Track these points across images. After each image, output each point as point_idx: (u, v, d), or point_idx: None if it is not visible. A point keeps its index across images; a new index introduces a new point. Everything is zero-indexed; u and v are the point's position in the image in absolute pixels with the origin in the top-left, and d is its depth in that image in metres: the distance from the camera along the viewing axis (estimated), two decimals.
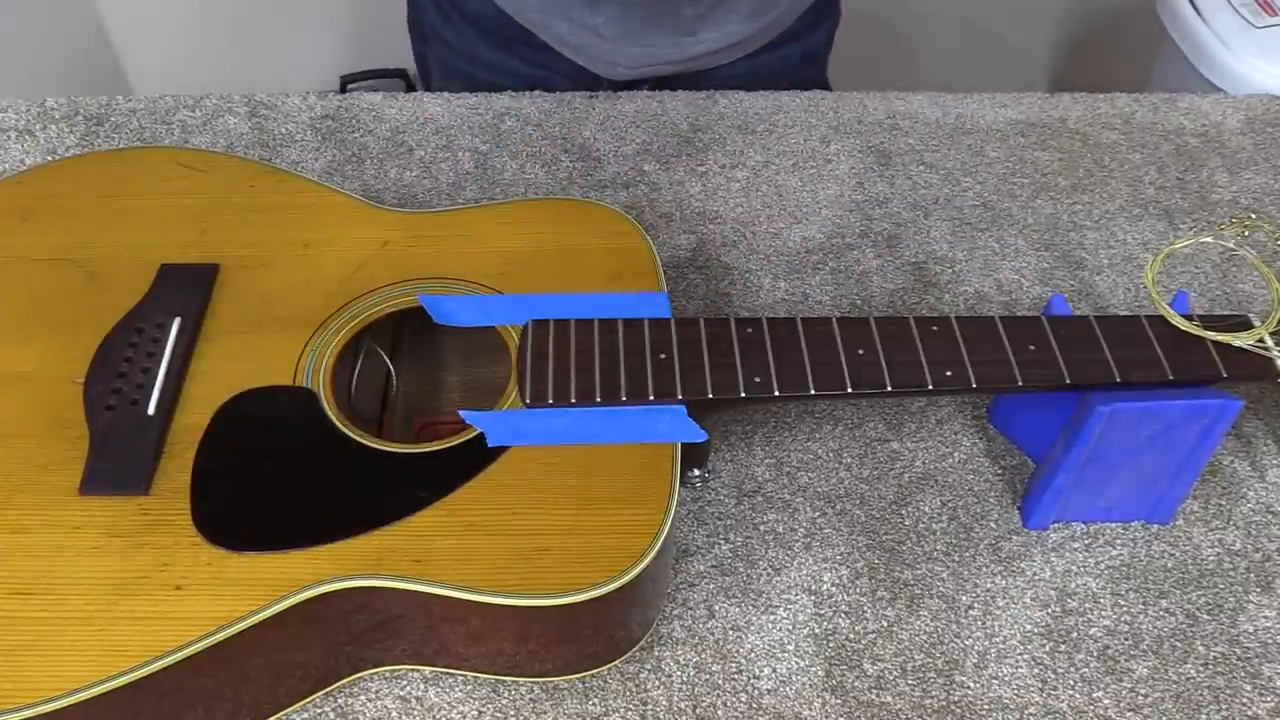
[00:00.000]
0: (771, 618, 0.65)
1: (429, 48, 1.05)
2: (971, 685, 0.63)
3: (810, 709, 0.61)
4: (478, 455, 0.61)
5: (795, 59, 1.03)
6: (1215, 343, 0.65)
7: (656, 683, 0.62)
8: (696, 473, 0.69)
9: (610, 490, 0.59)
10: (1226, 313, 0.72)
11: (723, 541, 0.68)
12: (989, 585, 0.67)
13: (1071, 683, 0.63)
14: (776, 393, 0.63)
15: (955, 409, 0.75)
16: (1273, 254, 0.85)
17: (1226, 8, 1.38)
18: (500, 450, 0.61)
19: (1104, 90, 1.00)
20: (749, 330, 0.65)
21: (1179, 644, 0.65)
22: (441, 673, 0.62)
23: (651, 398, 0.63)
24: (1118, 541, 0.69)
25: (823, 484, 0.71)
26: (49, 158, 0.89)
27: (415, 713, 0.60)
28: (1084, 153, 0.93)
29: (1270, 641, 0.65)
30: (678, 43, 0.95)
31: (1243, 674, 0.63)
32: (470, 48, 1.00)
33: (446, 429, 0.65)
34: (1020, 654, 0.64)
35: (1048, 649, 0.64)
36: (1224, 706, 0.62)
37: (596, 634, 0.59)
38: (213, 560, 0.56)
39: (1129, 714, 0.62)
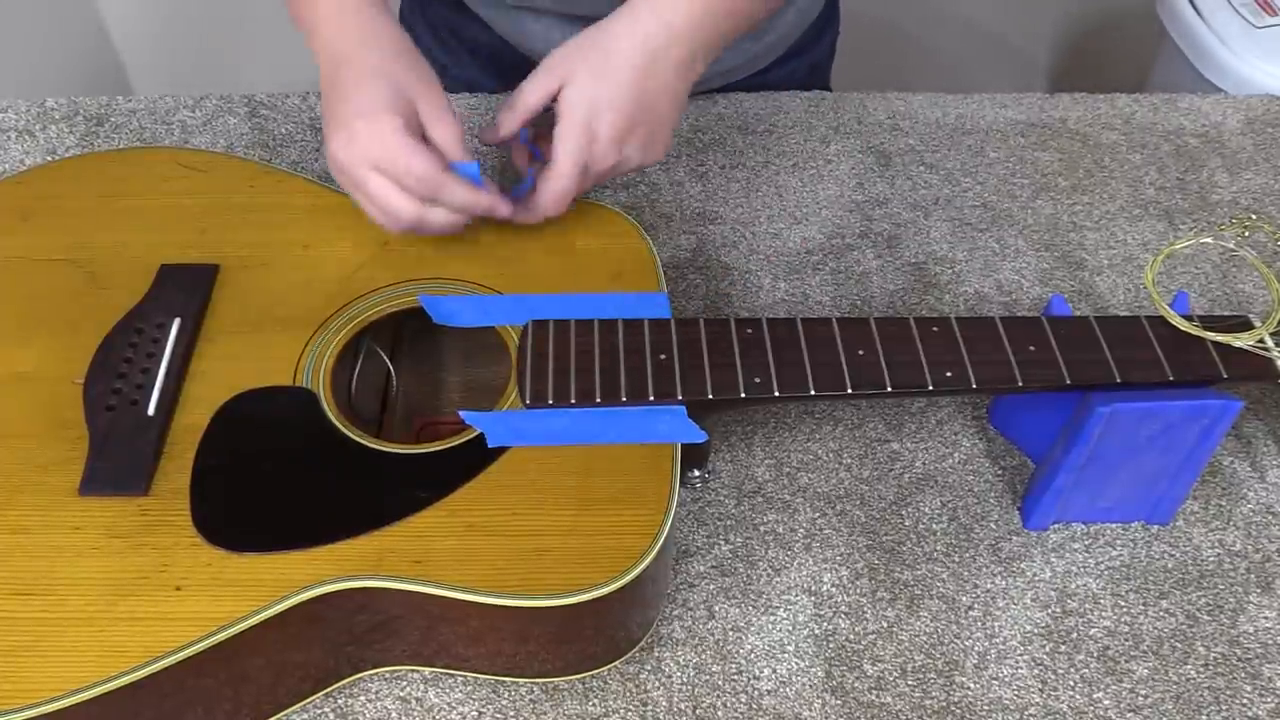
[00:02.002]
0: (771, 618, 0.65)
1: None
2: (971, 686, 0.63)
3: (810, 710, 0.61)
4: (478, 456, 0.61)
5: (801, 73, 1.02)
6: (1215, 343, 0.65)
7: (656, 683, 0.62)
8: (696, 473, 0.69)
9: (610, 491, 0.59)
10: (1227, 313, 0.72)
11: (723, 542, 0.68)
12: (989, 586, 0.67)
13: (1072, 683, 0.63)
14: (776, 393, 0.63)
15: (955, 409, 0.75)
16: (1273, 254, 0.85)
17: (1226, 8, 1.38)
18: (500, 451, 0.61)
19: (1104, 90, 1.00)
20: (749, 331, 0.65)
21: (1179, 645, 0.65)
22: (441, 673, 0.62)
23: (651, 398, 0.63)
24: (1118, 542, 0.69)
25: (823, 484, 0.71)
26: (49, 158, 0.89)
27: (415, 713, 0.60)
28: (1084, 153, 0.93)
29: (1270, 642, 0.65)
30: None
31: (1243, 675, 0.63)
32: (467, 75, 0.99)
33: (446, 429, 0.65)
34: (1020, 655, 0.64)
35: (1048, 650, 0.64)
36: (1224, 707, 0.62)
37: (596, 635, 0.59)
38: (213, 561, 0.56)
39: (1129, 715, 0.62)
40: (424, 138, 0.66)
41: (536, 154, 0.73)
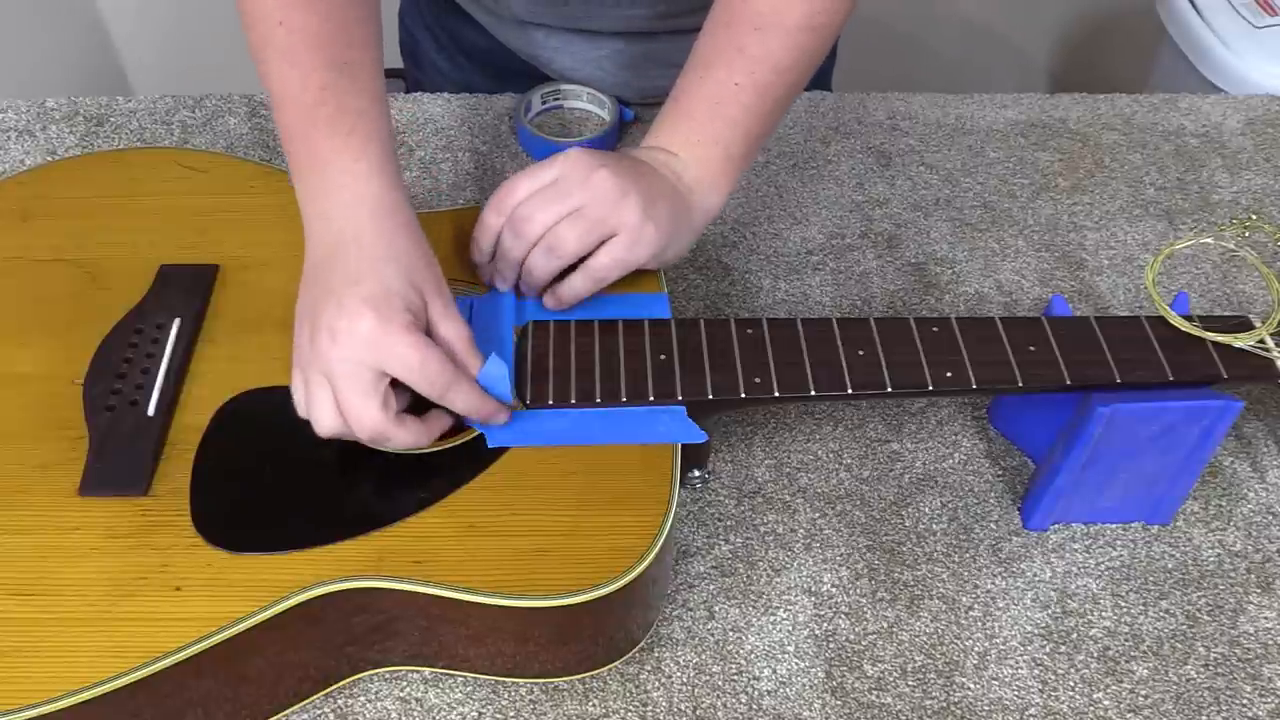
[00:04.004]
0: (772, 619, 0.65)
1: (424, 74, 1.04)
2: (972, 686, 0.62)
3: (810, 710, 0.61)
4: (478, 456, 0.61)
5: None
6: (1215, 343, 0.65)
7: (656, 684, 0.62)
8: (696, 474, 0.69)
9: (610, 491, 0.59)
10: (1227, 313, 0.72)
11: (723, 543, 0.68)
12: (989, 586, 0.67)
13: (1072, 684, 0.63)
14: (776, 394, 0.63)
15: (955, 410, 0.75)
16: (1273, 255, 0.85)
17: (1226, 8, 1.38)
18: (500, 451, 0.61)
19: (1104, 90, 1.00)
20: (749, 331, 0.65)
21: (1179, 645, 0.65)
22: (441, 673, 0.62)
23: (651, 399, 0.63)
24: (1118, 542, 0.69)
25: (823, 485, 0.71)
26: (49, 158, 0.89)
27: (415, 714, 0.60)
28: (1084, 153, 0.93)
29: (1270, 642, 0.65)
30: None
31: (1243, 675, 0.63)
32: (467, 80, 0.99)
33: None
34: (1020, 655, 0.64)
35: (1048, 650, 0.64)
36: (1224, 708, 0.62)
37: (596, 635, 0.59)
38: (212, 561, 0.56)
39: (1129, 715, 0.62)
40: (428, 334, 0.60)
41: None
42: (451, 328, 0.60)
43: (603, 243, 0.64)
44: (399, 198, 0.62)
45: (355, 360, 0.56)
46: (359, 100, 0.63)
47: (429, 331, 0.59)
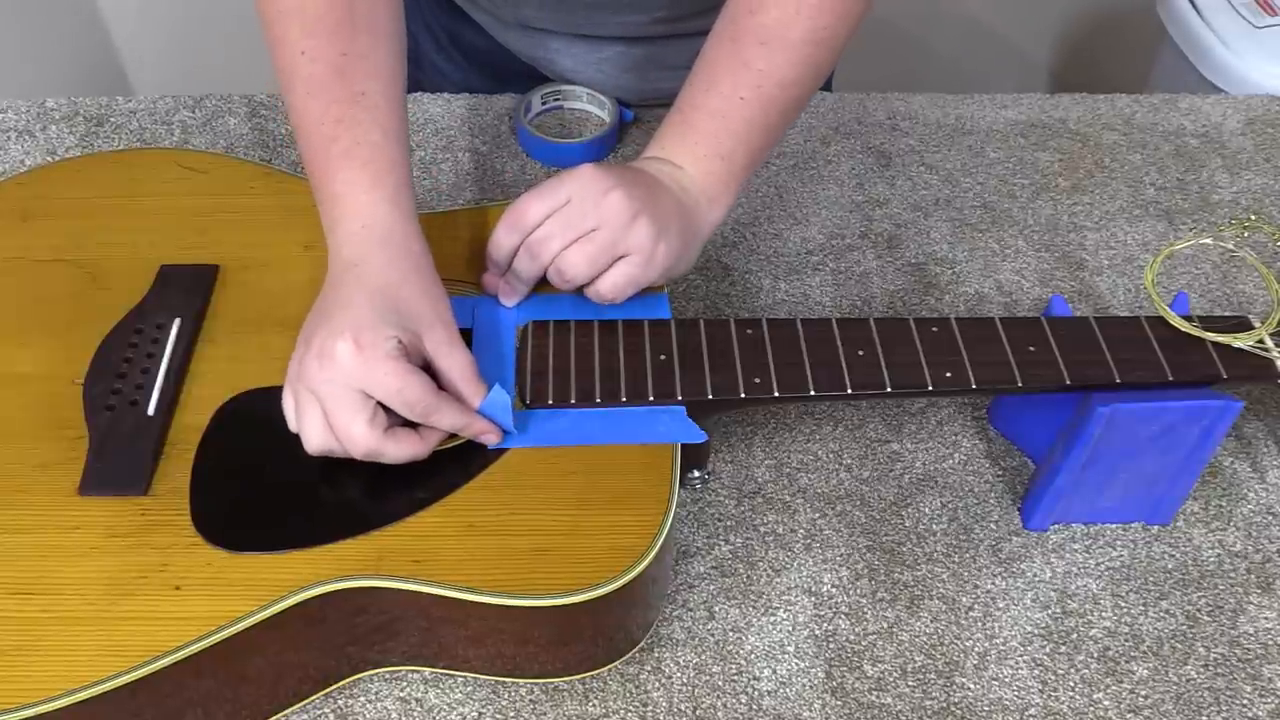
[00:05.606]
0: (772, 619, 0.65)
1: (424, 74, 1.04)
2: (972, 686, 0.62)
3: (810, 710, 0.61)
4: (477, 456, 0.61)
5: None
6: (1215, 343, 0.65)
7: (656, 684, 0.62)
8: (696, 474, 0.69)
9: (610, 491, 0.59)
10: (1226, 314, 0.72)
11: (723, 543, 0.68)
12: (989, 586, 0.67)
13: (1072, 684, 0.63)
14: (776, 394, 0.63)
15: (955, 410, 0.75)
16: (1273, 255, 0.85)
17: (1227, 8, 1.38)
18: (500, 451, 0.61)
19: (1104, 90, 1.00)
20: (749, 331, 0.65)
21: (1179, 645, 0.65)
22: (442, 674, 0.62)
23: (651, 399, 0.63)
24: (1118, 543, 0.69)
25: (823, 485, 0.71)
26: (49, 158, 0.89)
27: (415, 714, 0.60)
28: (1084, 153, 0.93)
29: (1270, 643, 0.65)
30: (684, 77, 0.94)
31: (1243, 675, 0.63)
32: (466, 81, 0.99)
33: None
34: (1021, 655, 0.64)
35: (1048, 650, 0.64)
36: (1224, 708, 0.62)
37: (596, 635, 0.59)
38: (212, 561, 0.56)
39: (1129, 715, 0.62)
40: (425, 366, 0.60)
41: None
42: (452, 358, 0.60)
43: (614, 262, 0.64)
44: (410, 229, 0.63)
45: (340, 383, 0.57)
46: (373, 133, 0.63)
47: (429, 362, 0.60)
